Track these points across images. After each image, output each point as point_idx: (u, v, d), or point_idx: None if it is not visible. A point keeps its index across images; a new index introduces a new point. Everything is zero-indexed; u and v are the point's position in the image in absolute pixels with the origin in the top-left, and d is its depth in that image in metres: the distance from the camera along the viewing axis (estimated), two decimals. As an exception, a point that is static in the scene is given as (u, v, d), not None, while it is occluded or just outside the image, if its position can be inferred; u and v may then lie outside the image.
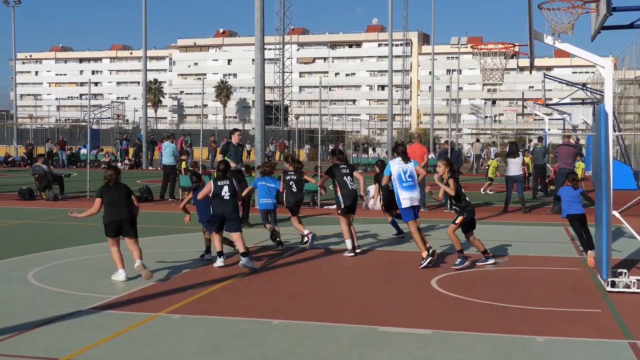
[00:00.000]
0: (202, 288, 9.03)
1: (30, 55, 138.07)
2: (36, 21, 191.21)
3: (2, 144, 51.12)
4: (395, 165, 10.84)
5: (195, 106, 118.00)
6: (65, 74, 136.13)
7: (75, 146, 46.67)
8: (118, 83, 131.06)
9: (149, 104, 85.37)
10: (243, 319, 7.48)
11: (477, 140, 42.86)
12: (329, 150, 13.19)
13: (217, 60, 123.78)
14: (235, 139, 15.39)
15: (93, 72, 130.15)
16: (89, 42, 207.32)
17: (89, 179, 20.80)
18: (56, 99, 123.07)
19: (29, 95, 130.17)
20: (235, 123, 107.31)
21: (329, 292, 8.92)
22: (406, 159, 10.91)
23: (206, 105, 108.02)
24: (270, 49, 74.42)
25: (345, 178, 11.63)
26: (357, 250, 11.64)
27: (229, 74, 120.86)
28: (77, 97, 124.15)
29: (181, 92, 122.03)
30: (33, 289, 8.92)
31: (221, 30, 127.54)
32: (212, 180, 10.51)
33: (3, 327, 7.08)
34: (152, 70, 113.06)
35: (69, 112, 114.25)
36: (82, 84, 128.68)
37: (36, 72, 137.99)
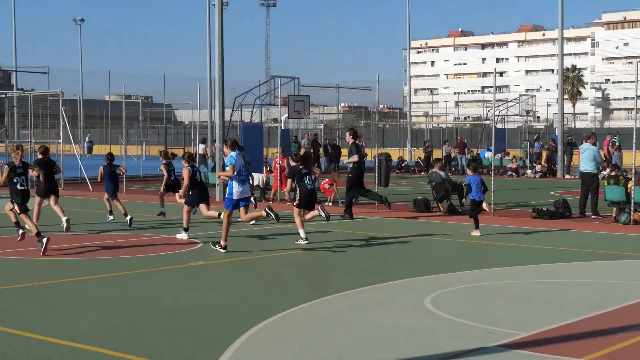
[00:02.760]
0: (636, 332, 8.69)
1: (426, 43, 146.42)
2: (434, 3, 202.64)
3: (395, 146, 54.91)
4: (237, 158, 14.11)
5: (625, 98, 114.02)
6: (464, 63, 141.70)
7: (477, 149, 48.29)
8: (527, 72, 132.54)
9: (565, 96, 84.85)
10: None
11: None
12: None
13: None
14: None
15: (497, 60, 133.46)
16: (492, 24, 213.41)
17: (494, 188, 21.32)
18: (454, 93, 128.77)
19: (424, 89, 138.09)
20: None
21: None
22: (239, 153, 14.23)
23: None
24: None
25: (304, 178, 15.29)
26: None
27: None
28: (479, 91, 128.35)
29: (606, 81, 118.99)
30: (431, 316, 9.45)
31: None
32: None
33: (401, 359, 7.62)
34: (569, 54, 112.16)
35: (469, 108, 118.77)
36: (484, 74, 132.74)
37: (432, 63, 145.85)
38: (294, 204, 15.47)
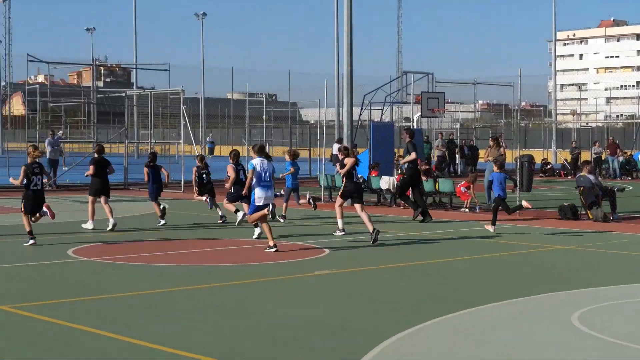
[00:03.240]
0: None
1: (574, 34, 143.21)
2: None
3: (538, 147, 53.91)
4: (259, 164, 15.37)
5: None
6: (617, 56, 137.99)
7: (631, 150, 46.92)
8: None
9: None
10: None
11: None
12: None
13: None
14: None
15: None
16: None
17: (650, 194, 20.65)
18: (605, 88, 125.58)
19: (571, 85, 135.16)
20: None
21: None
22: (268, 158, 15.81)
23: None
24: None
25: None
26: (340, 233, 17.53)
27: None
28: (633, 86, 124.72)
29: None
30: (580, 334, 9.21)
31: None
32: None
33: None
34: None
35: (622, 105, 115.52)
36: (638, 68, 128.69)
37: (580, 56, 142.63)
38: (339, 194, 17.65)
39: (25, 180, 15.99)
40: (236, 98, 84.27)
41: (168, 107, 41.27)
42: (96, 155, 19.18)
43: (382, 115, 38.49)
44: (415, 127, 34.04)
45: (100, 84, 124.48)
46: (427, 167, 26.39)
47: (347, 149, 18.41)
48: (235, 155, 18.60)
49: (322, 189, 26.64)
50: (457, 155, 43.84)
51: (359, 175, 17.92)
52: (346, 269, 13.86)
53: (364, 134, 35.76)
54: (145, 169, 19.99)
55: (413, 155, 21.13)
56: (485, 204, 23.75)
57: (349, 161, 17.35)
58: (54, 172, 31.66)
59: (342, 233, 17.50)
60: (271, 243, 15.26)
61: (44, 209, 16.19)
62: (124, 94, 44.55)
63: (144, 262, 14.39)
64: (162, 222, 19.45)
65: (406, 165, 21.64)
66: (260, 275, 13.08)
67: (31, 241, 16.01)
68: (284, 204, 20.72)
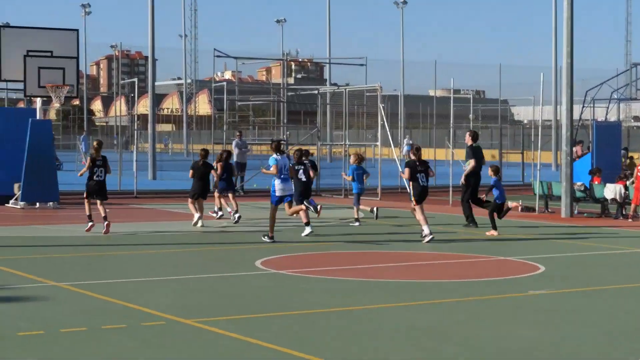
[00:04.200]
0: None
1: None
2: None
3: None
4: (280, 160, 18.48)
5: None
6: None
7: None
8: None
9: None
10: None
11: None
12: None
13: None
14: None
15: None
16: None
17: None
18: None
19: None
20: None
21: None
22: (282, 155, 18.96)
23: None
24: None
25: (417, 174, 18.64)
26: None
27: None
28: None
29: None
30: None
31: None
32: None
33: None
34: None
35: None
36: None
37: None
38: (413, 202, 18.69)
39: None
40: (439, 95, 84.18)
41: (364, 105, 41.67)
42: (200, 159, 22.29)
43: (607, 114, 37.50)
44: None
45: (291, 80, 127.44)
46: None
47: (419, 149, 19.28)
48: (301, 155, 20.39)
49: (537, 197, 26.17)
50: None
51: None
52: (563, 289, 13.59)
53: (586, 136, 34.97)
54: (220, 164, 22.89)
55: (472, 163, 21.40)
56: None
57: (407, 170, 18.89)
58: (242, 177, 32.53)
59: (430, 237, 18.33)
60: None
61: (105, 226, 19.42)
62: (316, 92, 45.34)
63: (335, 275, 14.61)
64: (220, 213, 22.89)
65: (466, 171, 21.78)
66: (470, 294, 13.03)
67: (90, 224, 19.76)
68: (355, 208, 22.23)
